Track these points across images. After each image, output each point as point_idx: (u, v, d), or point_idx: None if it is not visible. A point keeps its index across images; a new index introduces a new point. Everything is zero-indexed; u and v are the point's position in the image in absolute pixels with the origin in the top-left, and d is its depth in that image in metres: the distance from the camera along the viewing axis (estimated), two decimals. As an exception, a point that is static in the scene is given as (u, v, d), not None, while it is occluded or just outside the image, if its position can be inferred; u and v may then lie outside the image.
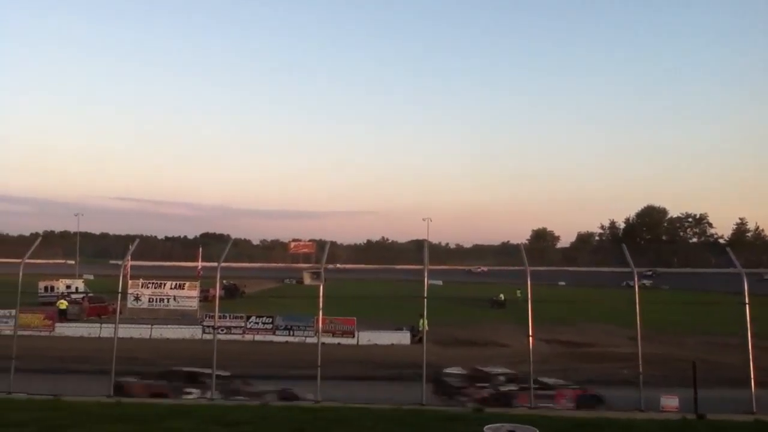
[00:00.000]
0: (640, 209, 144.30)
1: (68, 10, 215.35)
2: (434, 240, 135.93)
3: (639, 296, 14.25)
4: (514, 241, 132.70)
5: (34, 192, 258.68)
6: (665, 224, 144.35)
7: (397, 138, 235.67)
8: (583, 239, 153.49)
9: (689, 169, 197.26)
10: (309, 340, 31.19)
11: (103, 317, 38.42)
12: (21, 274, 15.16)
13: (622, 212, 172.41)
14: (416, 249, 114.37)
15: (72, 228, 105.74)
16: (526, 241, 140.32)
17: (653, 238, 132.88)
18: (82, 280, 60.90)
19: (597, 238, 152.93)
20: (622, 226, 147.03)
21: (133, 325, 32.75)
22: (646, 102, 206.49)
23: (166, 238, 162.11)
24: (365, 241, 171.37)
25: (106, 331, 31.58)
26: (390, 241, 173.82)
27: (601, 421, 11.76)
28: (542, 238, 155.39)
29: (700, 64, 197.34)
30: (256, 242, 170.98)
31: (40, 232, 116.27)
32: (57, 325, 34.46)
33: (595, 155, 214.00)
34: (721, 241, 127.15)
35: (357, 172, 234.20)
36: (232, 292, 53.66)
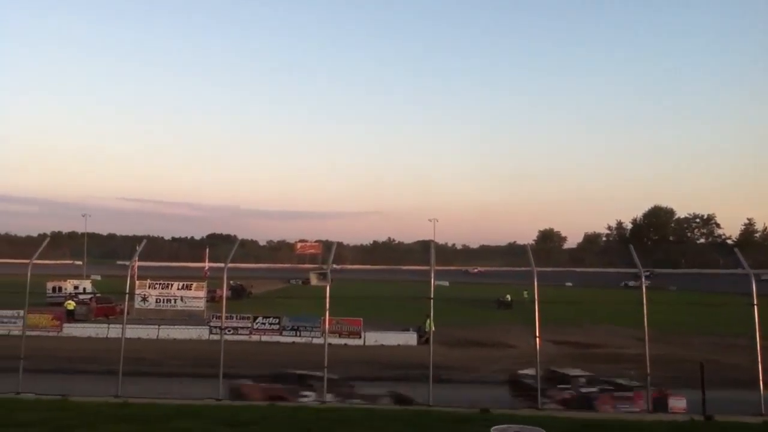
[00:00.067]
0: (647, 210, 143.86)
1: (68, 10, 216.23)
2: (440, 241, 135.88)
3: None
4: (520, 241, 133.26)
5: (41, 193, 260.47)
6: (673, 225, 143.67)
7: (402, 138, 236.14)
8: (590, 240, 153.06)
9: (697, 169, 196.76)
10: (316, 340, 31.16)
11: (110, 318, 38.55)
12: (29, 274, 15.22)
13: (629, 213, 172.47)
14: (422, 250, 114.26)
15: (79, 229, 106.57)
16: (533, 242, 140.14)
17: (661, 239, 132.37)
18: (89, 281, 61.15)
19: (604, 238, 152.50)
20: (630, 226, 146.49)
21: (140, 326, 32.84)
22: (653, 102, 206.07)
23: (173, 239, 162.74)
24: (371, 242, 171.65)
25: (113, 331, 31.73)
26: (396, 241, 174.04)
27: (610, 422, 11.73)
28: (549, 239, 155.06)
29: (709, 63, 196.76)
30: (262, 243, 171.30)
31: (48, 232, 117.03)
32: (65, 325, 34.59)
33: (602, 156, 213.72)
34: (729, 241, 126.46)
35: (363, 172, 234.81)
36: (238, 292, 53.81)
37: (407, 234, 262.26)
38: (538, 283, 14.29)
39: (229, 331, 30.05)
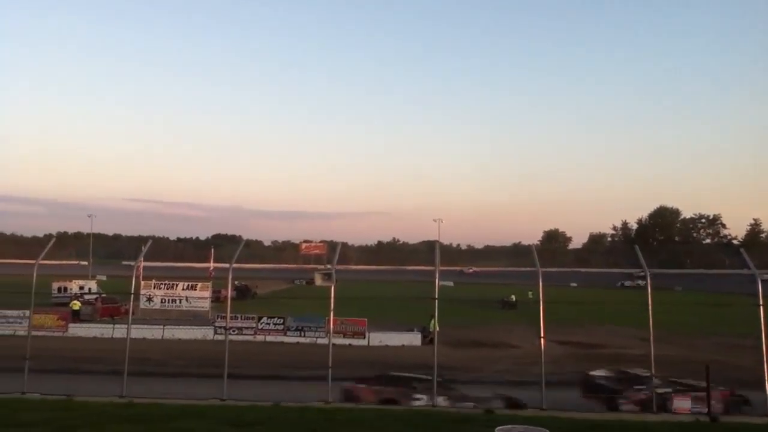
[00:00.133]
0: (652, 210, 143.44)
1: (68, 10, 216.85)
2: (445, 241, 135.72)
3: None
4: (525, 242, 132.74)
5: (46, 193, 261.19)
6: (678, 225, 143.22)
7: (406, 138, 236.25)
8: (596, 240, 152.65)
9: (702, 169, 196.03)
10: (320, 341, 31.19)
11: (115, 318, 38.66)
12: (35, 275, 15.28)
13: (635, 213, 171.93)
14: (427, 250, 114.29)
15: (85, 229, 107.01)
16: (538, 242, 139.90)
17: (666, 239, 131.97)
18: (95, 281, 61.32)
19: (609, 239, 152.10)
20: (635, 227, 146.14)
21: (145, 326, 32.90)
22: (658, 102, 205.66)
23: (178, 239, 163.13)
24: (376, 242, 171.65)
25: (118, 331, 31.77)
26: (401, 242, 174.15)
27: (614, 423, 11.72)
28: (554, 239, 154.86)
29: (716, 63, 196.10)
30: (267, 243, 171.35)
31: (54, 233, 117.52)
32: (70, 325, 34.66)
33: (607, 156, 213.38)
34: (735, 242, 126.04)
35: (367, 173, 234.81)
36: (243, 292, 53.88)
37: (412, 234, 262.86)
38: (543, 284, 14.28)
39: (233, 331, 30.09)
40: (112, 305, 41.52)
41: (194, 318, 38.20)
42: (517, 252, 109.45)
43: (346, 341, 30.79)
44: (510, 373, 22.16)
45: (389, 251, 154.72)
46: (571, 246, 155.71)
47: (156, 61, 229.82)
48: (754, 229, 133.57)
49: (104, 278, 71.42)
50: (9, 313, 33.44)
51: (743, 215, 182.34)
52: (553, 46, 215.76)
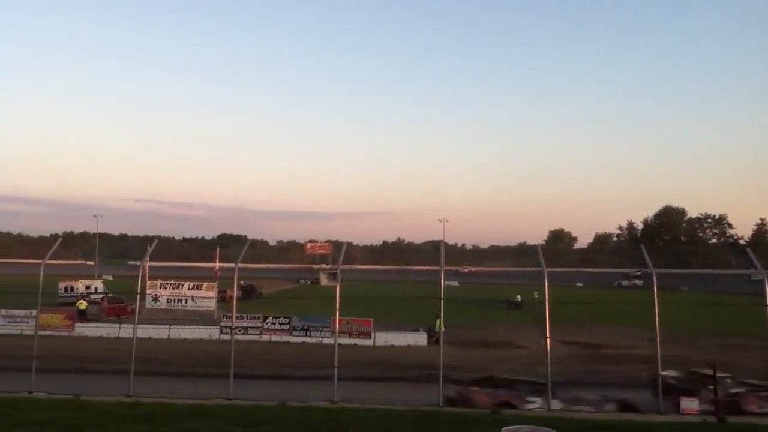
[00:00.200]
0: (658, 210, 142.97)
1: (68, 10, 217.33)
2: (450, 241, 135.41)
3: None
4: (531, 241, 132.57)
5: (52, 194, 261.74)
6: (684, 225, 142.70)
7: (410, 138, 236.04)
8: (601, 240, 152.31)
9: (708, 169, 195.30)
10: (326, 340, 31.19)
11: (122, 317, 38.75)
12: (42, 274, 15.34)
13: (640, 213, 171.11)
14: (432, 250, 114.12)
15: (91, 229, 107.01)
16: (543, 242, 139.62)
17: (672, 239, 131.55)
18: (101, 281, 61.54)
19: (615, 239, 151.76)
20: (641, 226, 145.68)
21: (151, 326, 32.95)
22: (663, 101, 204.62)
23: (184, 239, 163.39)
24: (381, 242, 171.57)
25: (124, 331, 31.89)
26: (406, 241, 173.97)
27: (620, 423, 11.68)
28: (559, 239, 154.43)
29: (720, 62, 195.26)
30: (272, 243, 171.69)
31: (60, 233, 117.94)
32: (77, 325, 34.77)
33: (612, 155, 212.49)
34: (741, 242, 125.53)
35: (371, 172, 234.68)
36: (249, 292, 53.94)
37: (417, 234, 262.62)
38: (548, 284, 14.26)
39: (239, 331, 30.14)
40: (119, 305, 41.62)
41: (200, 318, 38.29)
42: (522, 252, 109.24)
43: (352, 341, 30.79)
44: (516, 373, 22.07)
45: (394, 251, 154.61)
46: (576, 246, 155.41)
47: (158, 62, 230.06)
48: (761, 229, 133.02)
49: (110, 278, 71.71)
50: (16, 312, 33.62)
51: (749, 215, 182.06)
52: (554, 46, 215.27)
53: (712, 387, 14.93)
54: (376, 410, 12.23)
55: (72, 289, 52.54)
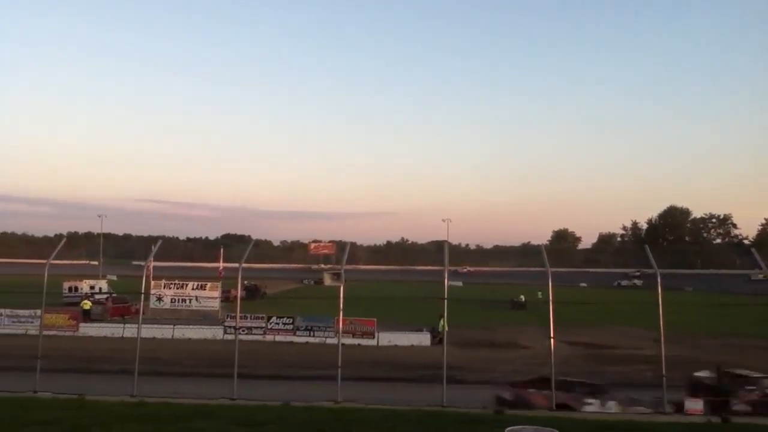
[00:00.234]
0: (662, 210, 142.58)
1: (68, 11, 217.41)
2: (454, 241, 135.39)
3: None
4: (534, 241, 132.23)
5: (55, 194, 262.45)
6: (688, 225, 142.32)
7: (413, 138, 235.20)
8: (605, 240, 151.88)
9: (712, 168, 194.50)
10: (329, 340, 31.25)
11: (126, 317, 38.81)
12: (46, 274, 15.37)
13: (645, 213, 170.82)
14: (436, 250, 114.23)
15: (95, 229, 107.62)
16: (547, 242, 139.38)
17: (676, 239, 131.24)
18: (105, 281, 61.58)
19: (619, 239, 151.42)
20: (645, 226, 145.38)
21: (155, 326, 33.04)
22: (667, 101, 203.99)
23: (188, 239, 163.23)
24: (385, 242, 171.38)
25: (129, 331, 31.95)
26: (409, 241, 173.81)
27: (624, 423, 11.66)
28: (563, 239, 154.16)
29: (721, 62, 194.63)
30: (276, 243, 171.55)
31: (65, 233, 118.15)
32: (81, 325, 34.87)
33: (617, 155, 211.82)
34: (746, 242, 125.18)
35: (375, 172, 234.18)
36: (253, 292, 53.95)
37: (420, 234, 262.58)
38: (552, 284, 14.23)
39: (243, 331, 30.20)
40: (123, 305, 41.71)
41: (204, 318, 38.36)
42: (526, 252, 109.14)
43: (355, 341, 30.83)
44: (520, 373, 22.06)
45: (398, 251, 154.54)
46: (580, 246, 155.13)
47: (160, 62, 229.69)
48: (766, 229, 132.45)
49: (114, 278, 71.77)
50: (21, 312, 33.76)
51: (754, 215, 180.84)
52: (554, 46, 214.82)
53: (749, 387, 14.79)
54: (379, 410, 12.22)
55: (76, 289, 52.63)
